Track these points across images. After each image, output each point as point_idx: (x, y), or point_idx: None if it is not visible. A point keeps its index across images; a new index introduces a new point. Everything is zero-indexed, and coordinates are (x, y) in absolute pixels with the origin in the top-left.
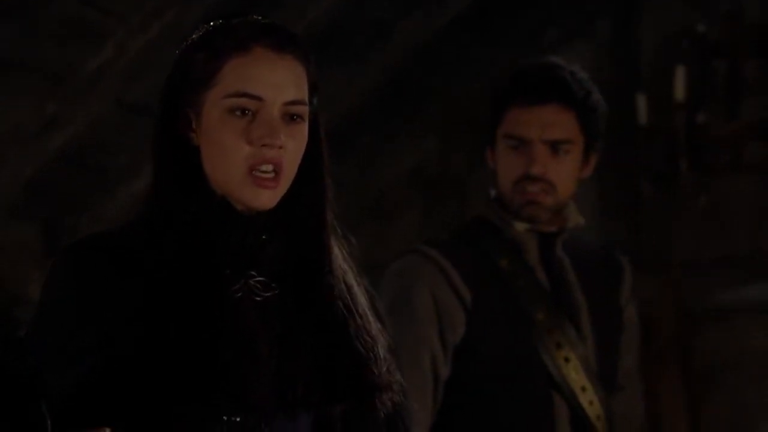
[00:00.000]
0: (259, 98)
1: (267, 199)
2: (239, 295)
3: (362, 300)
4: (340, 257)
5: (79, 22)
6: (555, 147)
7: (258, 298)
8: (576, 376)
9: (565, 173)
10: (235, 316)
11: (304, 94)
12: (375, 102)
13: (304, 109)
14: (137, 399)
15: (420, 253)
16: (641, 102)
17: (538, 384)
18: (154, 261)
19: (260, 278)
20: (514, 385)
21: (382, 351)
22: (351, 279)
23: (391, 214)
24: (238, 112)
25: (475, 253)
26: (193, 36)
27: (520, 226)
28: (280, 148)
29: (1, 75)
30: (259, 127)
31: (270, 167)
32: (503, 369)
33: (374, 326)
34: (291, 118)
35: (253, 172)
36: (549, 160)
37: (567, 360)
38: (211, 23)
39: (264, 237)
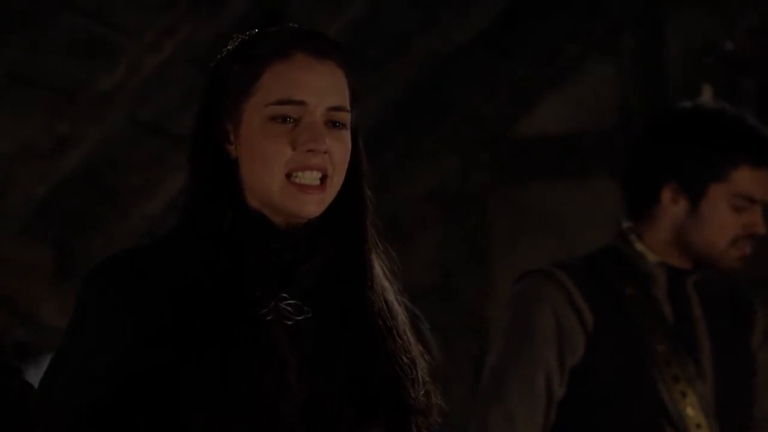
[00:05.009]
0: (302, 103)
1: (314, 206)
2: (269, 318)
3: (402, 318)
4: (380, 274)
5: (92, 40)
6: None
7: (289, 322)
8: (692, 412)
9: None
10: (264, 341)
11: (346, 100)
12: (393, 118)
13: (347, 116)
14: (159, 425)
15: (545, 273)
16: None
17: (651, 414)
18: (183, 281)
19: (291, 301)
20: (627, 413)
21: (421, 373)
22: (391, 297)
23: (410, 233)
24: (279, 120)
25: (600, 278)
26: (228, 47)
27: (652, 258)
28: (325, 153)
29: (13, 93)
30: (303, 132)
31: (316, 174)
32: (618, 395)
33: (414, 347)
34: (334, 124)
35: (294, 179)
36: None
37: (684, 395)
38: (247, 33)
39: (300, 254)
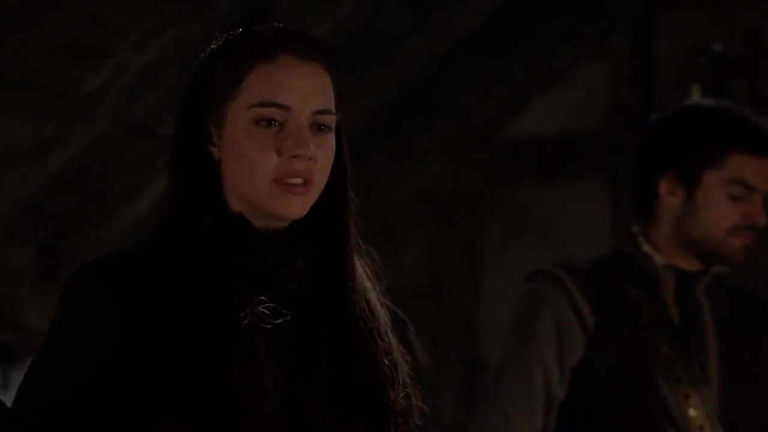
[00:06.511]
0: (287, 107)
1: (297, 207)
2: (246, 322)
3: (384, 320)
4: (363, 276)
5: (78, 40)
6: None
7: (267, 326)
8: (695, 413)
9: None
10: (240, 345)
11: (331, 103)
12: (384, 119)
13: (332, 119)
14: (135, 427)
15: (547, 274)
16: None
17: (653, 415)
18: (164, 284)
19: (269, 305)
20: (628, 413)
21: (402, 376)
22: (373, 298)
23: (400, 235)
24: (264, 123)
25: (606, 280)
26: (212, 46)
27: (660, 260)
28: (310, 159)
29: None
30: (288, 138)
31: (299, 180)
32: (619, 395)
33: (396, 349)
34: (319, 128)
35: (281, 182)
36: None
37: (686, 396)
38: (231, 32)
39: (282, 256)
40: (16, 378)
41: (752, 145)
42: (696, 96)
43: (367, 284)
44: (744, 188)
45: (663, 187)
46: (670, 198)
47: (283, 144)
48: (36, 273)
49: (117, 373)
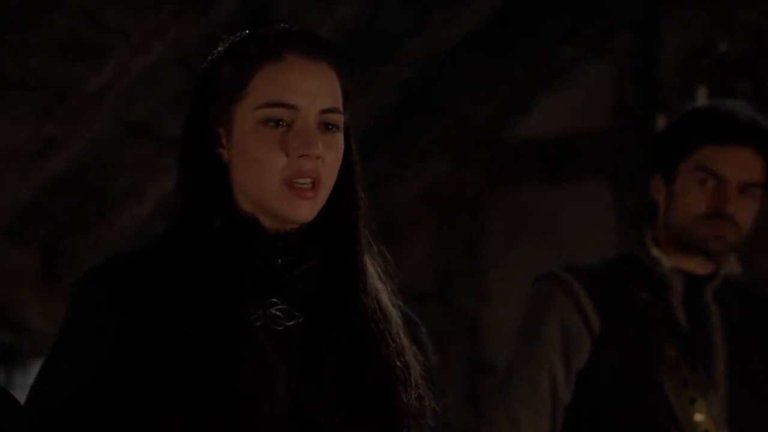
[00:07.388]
0: (294, 107)
1: (306, 210)
2: (258, 324)
3: (396, 321)
4: (375, 276)
5: (80, 41)
6: (744, 189)
7: (279, 328)
8: (701, 418)
9: (749, 216)
10: (250, 348)
11: (338, 102)
12: (385, 121)
13: (340, 118)
14: (141, 428)
15: (554, 277)
16: (662, 123)
17: (658, 419)
18: (173, 286)
19: (281, 306)
20: (634, 416)
21: (414, 376)
22: (385, 299)
23: (403, 236)
24: (271, 123)
25: (614, 282)
26: (219, 48)
27: (667, 263)
28: (318, 158)
29: (1, 94)
30: (295, 137)
31: (308, 180)
32: (624, 397)
33: (408, 350)
34: (327, 127)
35: (290, 184)
36: (738, 202)
37: (692, 401)
38: (237, 34)
39: (290, 258)
40: (19, 379)
41: (720, 136)
42: (702, 97)
43: (379, 285)
44: (711, 176)
45: (654, 188)
46: (658, 197)
47: (290, 144)
48: (36, 273)
49: (118, 373)
